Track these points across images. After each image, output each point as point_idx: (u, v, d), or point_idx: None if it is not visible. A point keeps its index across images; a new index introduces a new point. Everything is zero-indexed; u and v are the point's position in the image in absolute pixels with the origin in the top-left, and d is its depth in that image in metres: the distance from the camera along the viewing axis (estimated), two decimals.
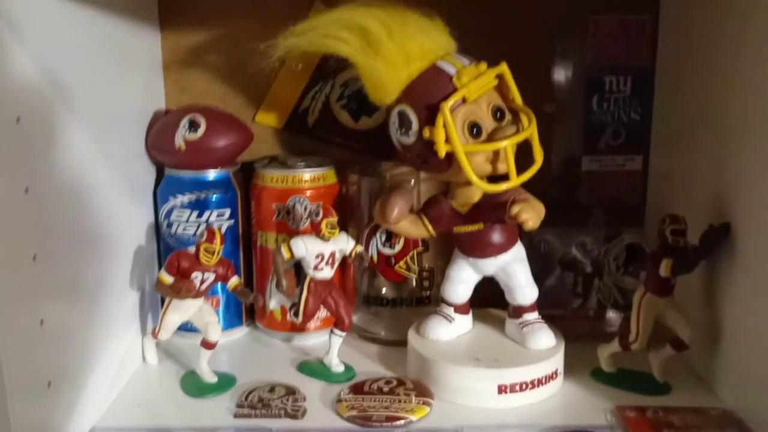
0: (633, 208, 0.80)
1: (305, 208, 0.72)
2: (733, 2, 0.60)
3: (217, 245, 0.63)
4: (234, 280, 0.66)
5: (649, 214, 0.79)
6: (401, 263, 0.73)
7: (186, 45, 0.78)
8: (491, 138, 0.60)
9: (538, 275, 0.68)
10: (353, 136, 0.80)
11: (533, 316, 0.66)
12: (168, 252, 0.72)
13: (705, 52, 0.66)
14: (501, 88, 0.62)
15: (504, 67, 0.62)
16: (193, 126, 0.70)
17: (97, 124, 0.62)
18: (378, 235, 0.73)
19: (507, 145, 0.59)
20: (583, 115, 0.79)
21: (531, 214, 0.59)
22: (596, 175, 0.80)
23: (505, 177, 0.60)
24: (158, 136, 0.73)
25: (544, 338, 0.65)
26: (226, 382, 0.66)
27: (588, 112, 0.78)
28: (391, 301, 0.75)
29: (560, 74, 0.79)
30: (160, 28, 0.78)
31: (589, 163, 0.80)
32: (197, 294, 0.64)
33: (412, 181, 0.71)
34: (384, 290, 0.75)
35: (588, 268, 0.74)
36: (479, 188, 0.60)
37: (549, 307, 0.69)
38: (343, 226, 0.70)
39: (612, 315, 0.74)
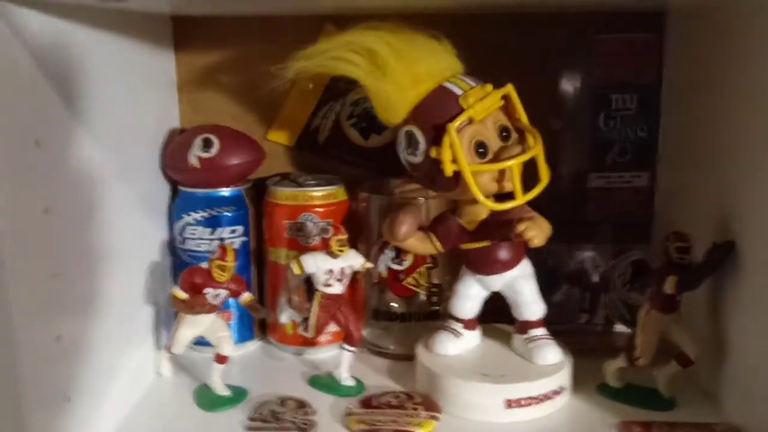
0: (640, 224, 0.80)
1: (316, 225, 0.73)
2: (739, 21, 0.61)
3: (230, 262, 0.64)
4: (246, 296, 0.67)
5: (656, 230, 0.80)
6: (410, 279, 0.74)
7: (199, 66, 0.80)
8: (497, 157, 0.61)
9: (545, 290, 0.68)
10: (363, 154, 0.81)
11: (540, 331, 0.67)
12: (182, 267, 0.72)
13: (710, 70, 0.66)
14: (507, 107, 0.63)
15: (510, 88, 0.63)
16: (207, 145, 0.72)
17: (114, 143, 0.63)
18: (387, 251, 0.74)
19: (513, 165, 0.60)
20: (590, 133, 0.79)
21: (536, 231, 0.60)
22: (603, 191, 0.80)
23: (511, 195, 0.61)
24: (173, 155, 0.74)
25: (551, 354, 0.65)
26: (238, 395, 0.67)
27: (595, 129, 0.79)
28: (400, 315, 0.75)
29: (567, 92, 0.79)
30: (174, 50, 0.79)
31: (596, 180, 0.80)
32: (210, 309, 0.66)
33: (421, 198, 0.72)
34: (393, 305, 0.76)
35: (595, 284, 0.74)
36: (485, 206, 0.61)
37: (556, 322, 0.69)
38: (352, 242, 0.70)
39: (619, 330, 0.74)
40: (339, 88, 0.80)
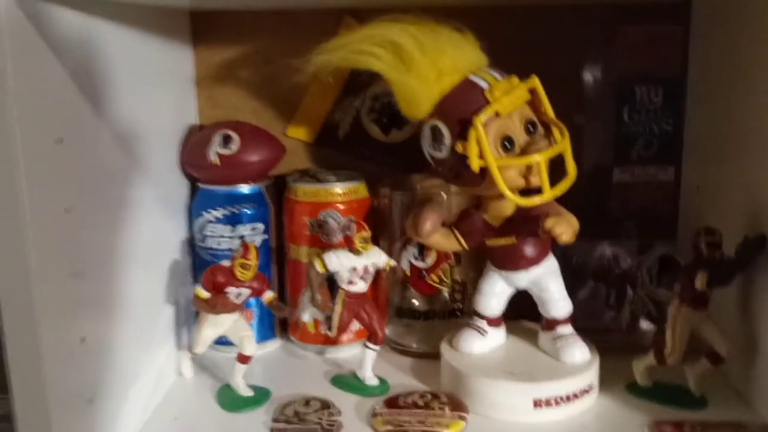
0: (665, 219, 0.79)
1: (337, 222, 0.72)
2: (765, 10, 0.60)
3: (253, 260, 0.63)
4: (269, 295, 0.66)
5: (681, 225, 0.78)
6: (433, 276, 0.73)
7: (218, 61, 0.79)
8: (524, 152, 0.60)
9: (571, 287, 0.67)
10: (384, 150, 0.80)
11: (567, 329, 0.66)
12: (202, 266, 0.72)
13: (737, 60, 0.65)
14: (533, 101, 0.62)
15: (535, 81, 0.62)
16: (227, 141, 0.71)
17: (133, 140, 0.63)
18: (410, 248, 0.73)
19: (540, 159, 0.59)
20: (614, 126, 0.78)
21: (565, 227, 0.59)
22: (628, 186, 0.79)
23: (537, 190, 0.60)
24: (192, 152, 0.73)
25: (579, 352, 0.64)
26: (261, 395, 0.66)
27: (619, 122, 0.78)
28: (424, 313, 0.75)
29: (591, 85, 0.78)
30: (192, 45, 0.79)
31: (621, 174, 0.79)
32: (232, 308, 0.65)
33: (444, 194, 0.71)
34: (416, 303, 0.75)
35: (620, 281, 0.73)
36: (512, 202, 0.60)
37: (582, 320, 0.68)
38: (374, 239, 0.70)
39: (646, 327, 0.73)
40: (359, 82, 0.79)
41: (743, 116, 0.64)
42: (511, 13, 0.75)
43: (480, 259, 0.69)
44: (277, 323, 0.78)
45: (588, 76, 0.78)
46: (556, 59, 0.73)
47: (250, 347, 0.66)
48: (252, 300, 0.72)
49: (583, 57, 0.77)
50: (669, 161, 0.78)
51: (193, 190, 0.76)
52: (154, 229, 0.67)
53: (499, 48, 0.62)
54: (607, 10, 0.75)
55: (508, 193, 0.59)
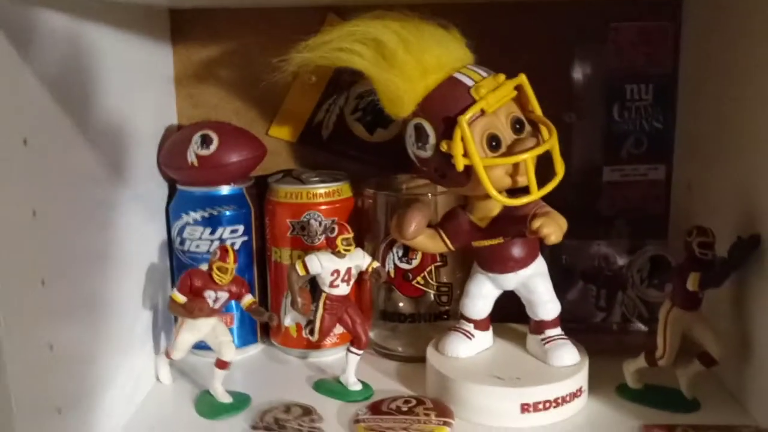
0: (656, 218, 0.78)
1: (320, 224, 0.71)
2: (759, 6, 0.59)
3: (231, 263, 0.61)
4: (248, 299, 0.64)
5: (672, 224, 0.77)
6: (419, 278, 0.72)
7: (198, 59, 0.77)
8: (511, 151, 0.59)
9: (560, 288, 0.66)
10: (368, 150, 0.79)
11: (556, 331, 0.64)
12: (181, 269, 0.71)
13: (729, 57, 0.64)
14: (520, 99, 0.61)
15: (523, 78, 0.60)
16: (206, 142, 0.69)
17: (108, 141, 0.61)
18: (395, 249, 0.71)
19: (527, 158, 0.58)
20: (604, 124, 0.76)
21: (553, 228, 0.57)
22: (618, 185, 0.77)
23: (525, 190, 0.59)
24: (170, 153, 0.72)
25: (568, 355, 0.63)
26: (240, 402, 0.64)
27: (609, 120, 0.76)
28: (409, 316, 0.73)
29: (580, 82, 0.76)
30: (171, 43, 0.77)
31: (611, 173, 0.77)
32: (210, 313, 0.63)
33: (430, 194, 0.70)
34: (401, 306, 0.73)
35: (611, 281, 0.72)
36: (499, 202, 0.59)
37: (571, 321, 0.67)
38: (358, 241, 0.68)
39: (637, 329, 0.71)
40: (343, 80, 0.77)
41: (735, 114, 0.63)
42: (499, 9, 0.74)
43: (467, 261, 0.68)
44: (258, 327, 0.76)
45: (577, 74, 0.76)
46: (545, 56, 0.73)
47: (229, 353, 0.64)
48: (233, 304, 0.70)
49: (572, 54, 0.76)
50: (660, 160, 0.77)
51: (172, 191, 0.74)
52: (131, 231, 0.65)
53: (487, 45, 0.61)
54: (597, 7, 0.73)
55: (494, 193, 0.58)
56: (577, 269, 0.72)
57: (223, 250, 0.61)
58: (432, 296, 0.72)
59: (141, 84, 0.69)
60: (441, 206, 0.69)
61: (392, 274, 0.72)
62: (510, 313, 0.67)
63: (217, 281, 0.62)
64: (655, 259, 0.72)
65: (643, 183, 0.78)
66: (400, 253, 0.71)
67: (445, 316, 0.73)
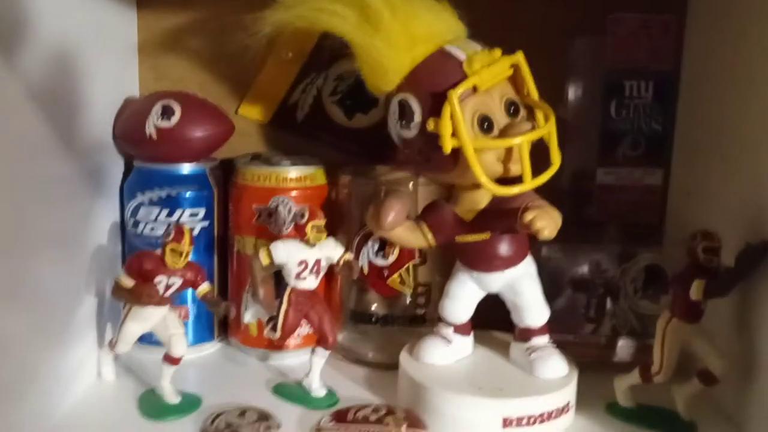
0: (651, 226, 0.73)
1: (289, 210, 0.65)
2: None
3: (186, 246, 0.55)
4: (204, 287, 0.58)
5: (668, 232, 0.73)
6: (395, 276, 0.66)
7: (164, 27, 0.72)
8: (504, 134, 0.53)
9: (547, 296, 0.61)
10: (346, 135, 0.74)
11: (543, 340, 0.59)
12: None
13: (735, 55, 0.61)
14: (515, 80, 0.56)
15: (520, 56, 0.56)
16: (167, 113, 0.64)
17: (57, 109, 0.55)
18: (370, 243, 0.66)
19: (522, 143, 0.52)
20: (600, 123, 0.72)
21: (547, 221, 0.52)
22: (612, 188, 0.73)
23: (517, 180, 0.54)
24: (127, 124, 0.66)
25: (555, 366, 0.58)
26: (189, 403, 0.59)
27: (605, 119, 0.72)
28: (382, 318, 0.68)
29: (576, 76, 0.72)
30: (136, 7, 0.72)
31: (605, 176, 0.73)
32: (160, 301, 0.57)
33: (411, 184, 0.64)
34: (374, 306, 0.68)
35: (602, 290, 0.67)
36: (489, 191, 0.54)
37: (558, 332, 0.62)
38: (331, 233, 0.63)
39: (628, 343, 0.66)
40: (322, 58, 0.73)
41: (740, 115, 0.60)
42: None
43: (448, 259, 0.63)
44: (216, 323, 0.70)
45: (573, 66, 0.72)
46: (540, 47, 0.66)
47: (179, 347, 0.58)
48: (189, 295, 0.65)
49: (568, 45, 0.72)
50: (657, 163, 0.73)
51: (128, 168, 0.69)
52: (78, 210, 0.60)
53: (477, 31, 0.56)
54: None
55: (484, 179, 0.52)
56: (565, 276, 0.68)
57: (178, 230, 0.55)
58: (408, 297, 0.67)
59: (99, 50, 0.64)
60: (422, 199, 0.63)
61: (366, 271, 0.66)
62: (493, 320, 0.62)
63: (169, 265, 0.56)
64: (649, 268, 0.67)
65: (638, 188, 0.73)
66: (376, 248, 0.66)
67: (421, 321, 0.68)
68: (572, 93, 0.72)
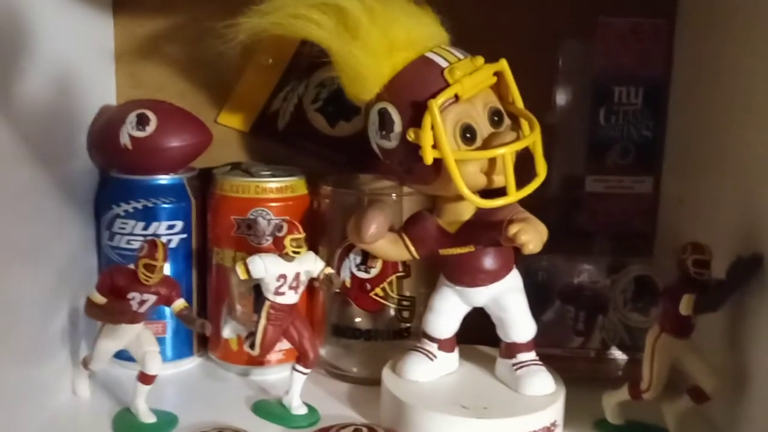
0: (641, 235, 0.72)
1: (269, 223, 0.63)
2: (761, 5, 0.54)
3: (160, 261, 0.53)
4: (179, 303, 0.56)
5: (659, 242, 0.72)
6: (378, 290, 0.65)
7: (142, 33, 0.71)
8: (487, 145, 0.52)
9: (535, 309, 0.59)
10: (328, 144, 0.73)
11: (529, 356, 0.57)
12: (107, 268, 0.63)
13: (727, 61, 0.59)
14: (499, 88, 0.55)
15: (504, 64, 0.54)
16: (142, 122, 0.62)
17: (29, 117, 0.54)
18: (352, 256, 0.64)
19: (506, 154, 0.51)
20: (589, 130, 0.70)
21: (532, 235, 0.51)
22: (601, 197, 0.71)
23: (501, 191, 0.52)
24: (101, 133, 0.64)
25: (542, 383, 0.56)
26: (165, 422, 0.57)
27: (594, 126, 0.70)
28: (365, 333, 0.66)
29: (564, 82, 0.71)
30: (113, 13, 0.70)
31: (594, 184, 0.71)
32: (134, 318, 0.55)
33: (394, 195, 0.63)
34: (357, 320, 0.66)
35: (591, 303, 0.65)
36: (472, 203, 0.52)
37: (545, 345, 0.61)
38: (312, 245, 0.62)
39: (618, 356, 0.65)
40: (303, 65, 0.71)
41: (733, 123, 0.58)
42: None
43: (432, 272, 0.61)
44: (195, 338, 0.68)
45: (561, 72, 0.71)
46: (526, 51, 0.66)
47: (154, 365, 0.56)
48: (166, 310, 0.63)
49: (556, 50, 0.70)
50: (647, 171, 0.71)
51: (103, 179, 0.67)
52: (50, 223, 0.58)
53: (461, 34, 0.55)
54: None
55: (466, 191, 0.51)
56: (553, 288, 0.66)
57: (152, 244, 0.53)
58: (392, 311, 0.65)
59: (75, 58, 0.62)
60: (406, 210, 0.62)
61: (348, 284, 0.64)
62: (478, 335, 0.60)
63: (143, 281, 0.54)
64: (639, 279, 0.66)
65: (628, 196, 0.72)
66: (358, 260, 0.64)
67: (406, 334, 0.66)
68: (560, 99, 0.71)
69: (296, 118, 0.72)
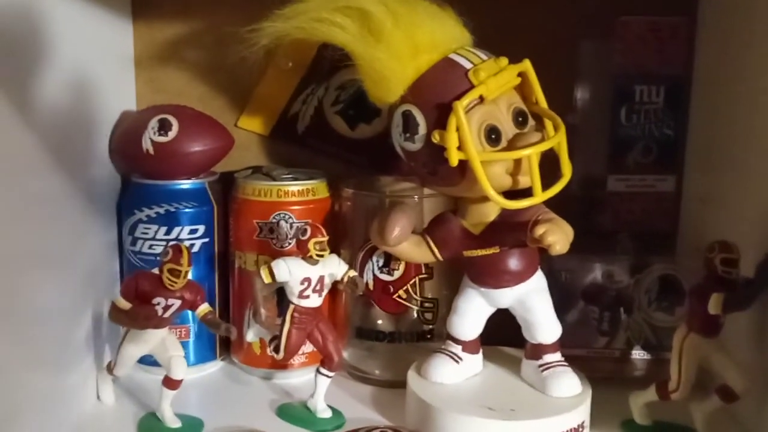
0: (664, 233, 0.71)
1: (291, 226, 0.63)
2: None
3: (184, 265, 0.53)
4: (203, 308, 0.56)
5: (681, 241, 0.71)
6: (401, 292, 0.64)
7: (161, 38, 0.70)
8: (512, 145, 0.51)
9: (558, 309, 0.58)
10: (348, 146, 0.72)
11: (555, 357, 0.57)
12: (132, 273, 0.63)
13: (749, 58, 0.59)
14: (522, 88, 0.54)
15: (527, 65, 0.54)
16: (164, 127, 0.62)
17: (51, 124, 0.53)
18: (374, 258, 0.64)
19: (532, 154, 0.50)
20: (610, 129, 0.70)
21: (559, 236, 0.50)
22: (623, 196, 0.71)
23: (525, 192, 0.52)
24: (123, 139, 0.64)
25: (569, 384, 0.55)
26: (191, 427, 0.57)
27: (615, 125, 0.70)
28: (388, 335, 0.65)
29: (584, 82, 0.70)
30: (132, 19, 0.70)
31: (615, 183, 0.71)
32: (159, 323, 0.55)
33: (416, 197, 0.62)
34: (380, 322, 0.66)
35: (615, 303, 0.65)
36: (498, 204, 0.51)
37: (570, 346, 0.60)
38: (334, 248, 0.61)
39: (643, 356, 0.64)
40: (323, 68, 0.71)
41: (755, 120, 0.57)
42: None
43: (455, 274, 0.61)
44: (218, 342, 0.68)
45: (581, 71, 0.70)
46: (547, 51, 0.65)
47: (179, 370, 0.56)
48: (189, 314, 0.63)
49: (576, 49, 0.69)
50: (669, 170, 0.71)
51: (125, 184, 0.67)
52: (74, 229, 0.57)
53: (481, 35, 0.55)
54: None
55: (492, 193, 0.50)
56: (577, 288, 0.65)
57: (176, 249, 0.53)
58: (415, 313, 0.65)
59: (95, 64, 0.62)
60: (428, 211, 0.61)
61: (371, 286, 0.64)
62: (500, 336, 0.60)
63: (168, 286, 0.53)
64: (664, 279, 0.65)
65: (650, 195, 0.71)
66: (381, 263, 0.64)
67: (429, 336, 0.65)
68: (581, 99, 0.70)
69: (316, 121, 0.72)
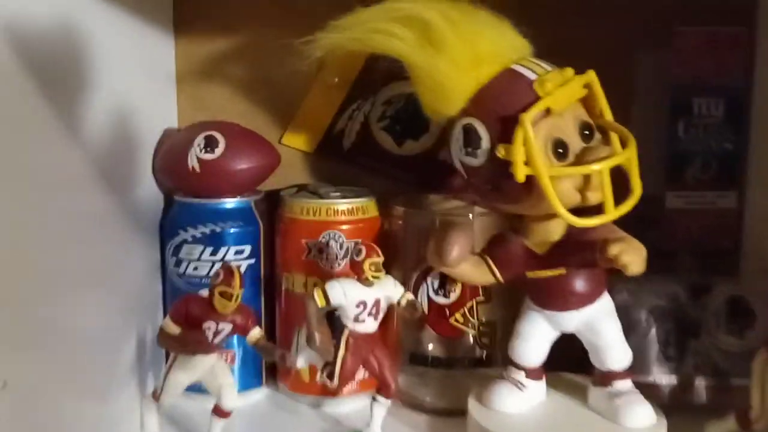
0: (725, 252, 0.68)
1: (341, 245, 0.60)
2: None
3: (236, 288, 0.51)
4: (255, 333, 0.53)
5: (745, 260, 0.68)
6: (457, 315, 0.61)
7: (203, 54, 0.69)
8: (582, 160, 0.49)
9: None
10: (395, 163, 0.70)
11: (626, 384, 0.54)
12: (175, 295, 0.61)
13: None
14: (586, 101, 0.52)
15: (593, 75, 0.51)
16: (210, 144, 0.60)
17: (94, 144, 0.52)
18: (429, 280, 0.61)
19: (603, 169, 0.48)
20: (667, 144, 0.67)
21: (633, 256, 0.48)
22: (682, 213, 0.68)
23: (590, 210, 0.49)
24: (168, 156, 0.63)
25: (644, 413, 0.52)
26: None
27: (673, 139, 0.67)
28: (444, 361, 0.62)
29: (641, 95, 0.68)
30: (174, 35, 0.69)
31: (674, 200, 0.68)
32: (208, 349, 0.52)
33: (471, 215, 0.60)
34: (431, 347, 0.63)
35: (681, 326, 0.61)
36: (568, 222, 0.49)
37: (633, 373, 0.56)
38: (385, 268, 0.58)
39: (714, 383, 0.61)
40: (369, 83, 0.69)
41: None
42: (551, 9, 0.66)
43: (512, 296, 0.58)
44: (264, 368, 0.66)
45: (638, 84, 0.68)
46: (602, 64, 0.63)
47: (230, 399, 0.53)
48: (233, 339, 0.60)
49: (633, 61, 0.68)
50: (730, 185, 0.68)
51: (169, 203, 0.65)
52: (116, 249, 0.56)
53: (537, 48, 0.53)
54: (662, 7, 0.66)
55: (561, 210, 0.47)
56: (637, 311, 0.62)
57: (228, 271, 0.51)
58: (471, 337, 0.62)
59: (137, 82, 0.61)
60: (482, 230, 0.58)
61: (425, 310, 0.61)
62: (558, 362, 0.57)
63: (219, 310, 0.51)
64: (731, 300, 0.62)
65: (711, 212, 0.68)
66: (436, 285, 0.61)
67: (486, 362, 0.62)
68: (637, 112, 0.68)
69: (362, 137, 0.70)
